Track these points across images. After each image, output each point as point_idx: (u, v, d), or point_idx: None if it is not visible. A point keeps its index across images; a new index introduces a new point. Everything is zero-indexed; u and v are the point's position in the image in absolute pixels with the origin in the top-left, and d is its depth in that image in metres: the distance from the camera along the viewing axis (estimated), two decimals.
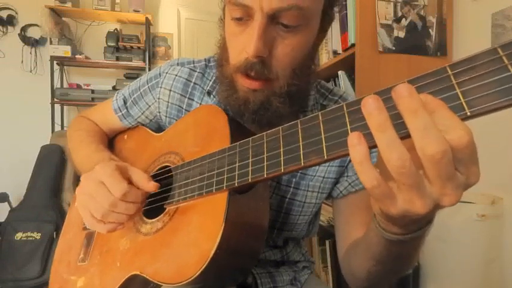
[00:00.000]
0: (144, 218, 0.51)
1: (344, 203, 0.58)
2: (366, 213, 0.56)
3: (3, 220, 1.92)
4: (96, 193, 0.46)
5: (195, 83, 0.60)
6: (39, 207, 1.95)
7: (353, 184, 0.57)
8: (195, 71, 0.60)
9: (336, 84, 1.34)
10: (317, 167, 0.57)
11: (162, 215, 0.49)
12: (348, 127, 0.30)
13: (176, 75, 0.60)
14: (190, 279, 0.39)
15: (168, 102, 0.60)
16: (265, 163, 0.37)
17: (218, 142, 0.46)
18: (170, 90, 0.60)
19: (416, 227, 0.31)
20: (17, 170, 2.59)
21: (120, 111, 0.66)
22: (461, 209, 0.96)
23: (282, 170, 0.34)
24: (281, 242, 0.64)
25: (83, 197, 0.48)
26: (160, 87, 0.60)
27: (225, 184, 0.41)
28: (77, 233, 0.62)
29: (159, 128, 0.67)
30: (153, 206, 0.52)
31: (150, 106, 0.63)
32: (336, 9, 0.51)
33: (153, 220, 0.50)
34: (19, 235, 1.85)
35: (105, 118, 0.70)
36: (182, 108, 0.60)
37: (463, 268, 0.96)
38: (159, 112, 0.63)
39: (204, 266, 0.38)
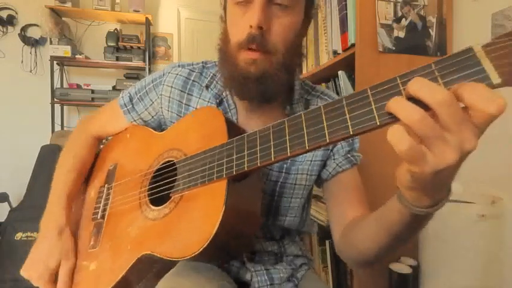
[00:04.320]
0: (151, 206, 0.57)
1: (334, 184, 0.65)
2: (358, 192, 0.64)
3: (3, 220, 1.92)
4: (41, 277, 0.61)
5: (193, 81, 0.67)
6: (39, 207, 1.92)
7: (340, 164, 0.64)
8: (194, 71, 0.68)
9: (336, 84, 1.34)
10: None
11: (168, 202, 0.55)
12: (325, 123, 0.37)
13: (177, 74, 0.68)
14: (195, 254, 0.45)
15: (170, 97, 0.67)
16: (258, 154, 0.44)
17: (217, 140, 0.51)
18: (171, 87, 0.67)
19: (443, 194, 0.35)
20: (17, 170, 2.59)
21: (126, 106, 0.72)
22: (461, 209, 0.96)
23: (273, 159, 0.42)
24: (278, 234, 0.69)
25: (35, 264, 0.62)
26: (163, 85, 0.67)
27: (224, 173, 0.47)
28: (87, 223, 0.68)
29: (159, 125, 0.73)
30: (160, 195, 0.57)
31: (153, 102, 0.69)
32: None
33: (160, 207, 0.55)
34: (19, 235, 1.85)
35: (111, 115, 0.76)
36: (182, 102, 0.67)
37: (463, 268, 0.96)
38: (161, 107, 0.69)
39: (207, 242, 0.44)
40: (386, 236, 0.45)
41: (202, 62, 0.70)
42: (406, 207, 0.37)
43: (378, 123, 0.33)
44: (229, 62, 0.56)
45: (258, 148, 0.44)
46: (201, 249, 0.44)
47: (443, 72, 0.30)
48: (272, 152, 0.42)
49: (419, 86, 0.29)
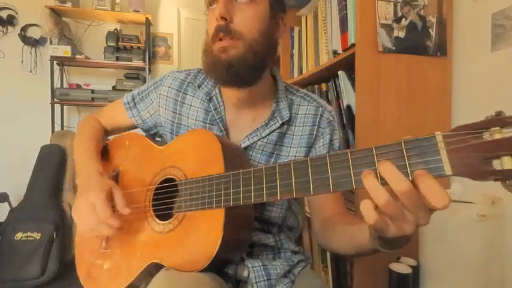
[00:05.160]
0: (157, 220, 0.65)
1: None
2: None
3: (3, 220, 1.92)
4: (89, 213, 0.60)
5: (189, 82, 0.76)
6: (39, 207, 1.95)
7: None
8: (190, 75, 0.77)
9: (335, 84, 1.34)
10: (289, 148, 0.72)
11: (172, 219, 0.62)
12: (310, 177, 0.43)
13: (175, 77, 0.77)
14: (200, 269, 0.55)
15: (167, 96, 0.75)
16: (252, 193, 0.50)
17: (214, 164, 0.59)
18: (169, 87, 0.76)
19: (401, 243, 0.44)
20: (17, 170, 2.59)
21: (128, 104, 0.81)
22: (461, 209, 0.96)
23: (265, 200, 0.48)
24: (274, 228, 0.73)
25: (79, 213, 0.62)
26: (162, 86, 0.76)
27: (222, 204, 0.54)
28: None
29: (155, 125, 0.80)
30: (163, 212, 0.65)
31: (153, 102, 0.78)
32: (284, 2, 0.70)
33: (165, 222, 0.63)
34: (19, 235, 1.85)
35: (114, 112, 0.85)
36: (178, 100, 0.75)
37: (463, 268, 0.96)
38: (159, 106, 0.76)
39: (210, 259, 0.54)
40: (354, 250, 0.56)
41: (198, 69, 0.78)
42: (373, 244, 0.46)
43: (354, 187, 0.39)
44: (207, 55, 0.65)
45: (252, 187, 0.50)
46: (207, 264, 0.54)
47: (410, 154, 0.37)
48: (264, 194, 0.48)
49: (388, 173, 0.36)
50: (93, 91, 2.71)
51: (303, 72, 1.70)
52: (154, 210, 0.66)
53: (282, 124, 0.70)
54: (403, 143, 0.37)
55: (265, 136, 0.70)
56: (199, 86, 0.74)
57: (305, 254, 0.77)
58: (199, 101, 0.73)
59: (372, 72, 1.12)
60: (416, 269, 1.06)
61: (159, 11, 3.15)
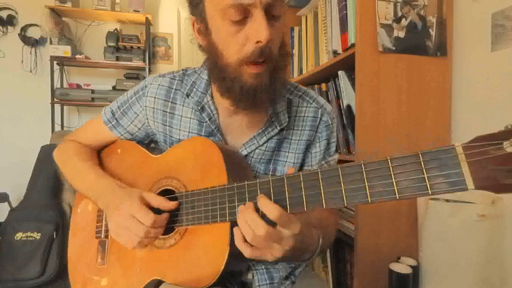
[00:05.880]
0: None
1: None
2: None
3: (3, 220, 1.92)
4: (131, 225, 0.56)
5: (176, 89, 0.68)
6: (39, 207, 1.94)
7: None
8: (175, 79, 0.69)
9: (335, 84, 1.34)
10: (287, 153, 0.69)
11: (173, 233, 0.59)
12: (322, 190, 0.43)
13: (159, 85, 0.69)
14: (206, 287, 0.53)
15: (154, 108, 0.69)
16: None
17: (215, 173, 0.56)
18: (155, 98, 0.68)
19: (288, 259, 0.51)
20: (17, 170, 2.59)
21: (110, 122, 0.73)
22: (461, 209, 0.96)
23: None
24: None
25: (120, 229, 0.58)
26: (147, 96, 0.69)
27: (227, 218, 0.52)
28: (90, 239, 0.71)
29: (147, 136, 0.75)
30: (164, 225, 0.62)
31: (138, 115, 0.71)
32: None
33: (166, 237, 0.59)
34: (19, 235, 1.85)
35: (95, 132, 0.77)
36: (166, 112, 0.68)
37: (463, 268, 0.96)
38: (147, 119, 0.70)
39: (217, 277, 0.52)
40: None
41: (183, 70, 0.71)
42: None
43: (370, 201, 0.39)
44: (231, 78, 0.56)
45: None
46: (212, 282, 0.52)
47: (428, 166, 0.35)
48: None
49: (249, 219, 0.46)
50: (93, 91, 2.70)
51: (303, 72, 1.70)
52: None
53: (281, 130, 0.66)
54: (420, 155, 0.36)
55: (263, 144, 0.66)
56: (188, 95, 0.67)
57: None
58: (191, 111, 0.67)
59: (372, 72, 1.12)
60: (416, 269, 1.06)
61: (159, 11, 3.14)
